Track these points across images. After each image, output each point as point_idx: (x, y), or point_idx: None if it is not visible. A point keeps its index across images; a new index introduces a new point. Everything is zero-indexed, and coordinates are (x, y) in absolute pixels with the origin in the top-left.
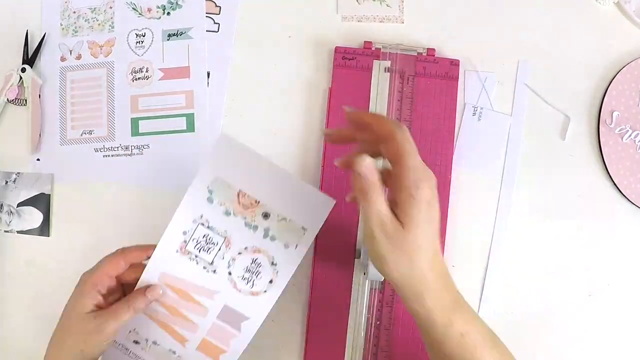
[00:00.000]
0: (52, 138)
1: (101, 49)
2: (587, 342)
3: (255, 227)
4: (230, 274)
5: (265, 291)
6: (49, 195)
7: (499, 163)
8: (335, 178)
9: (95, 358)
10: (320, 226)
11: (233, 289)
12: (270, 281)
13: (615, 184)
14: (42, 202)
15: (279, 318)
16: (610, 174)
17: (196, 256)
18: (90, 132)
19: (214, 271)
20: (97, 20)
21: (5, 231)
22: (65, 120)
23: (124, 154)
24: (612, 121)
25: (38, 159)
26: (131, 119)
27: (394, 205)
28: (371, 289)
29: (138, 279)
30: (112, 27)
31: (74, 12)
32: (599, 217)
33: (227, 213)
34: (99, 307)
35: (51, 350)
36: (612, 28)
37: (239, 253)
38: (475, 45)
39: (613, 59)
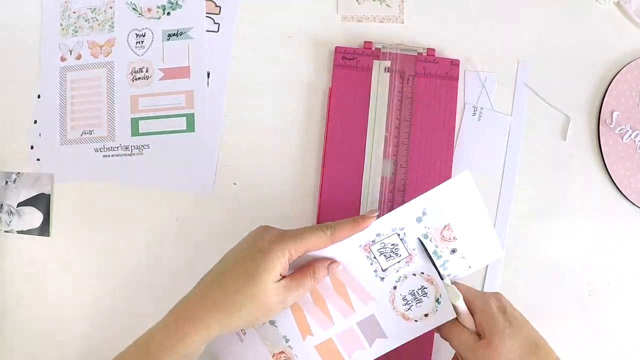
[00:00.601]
0: (52, 138)
1: (101, 49)
2: (587, 342)
3: (440, 257)
4: (395, 288)
5: (416, 321)
6: (49, 195)
7: (499, 163)
8: (334, 178)
9: (255, 326)
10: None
11: (389, 303)
12: (426, 315)
13: (615, 184)
14: (42, 202)
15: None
16: (610, 174)
17: (375, 258)
18: (90, 132)
19: (382, 279)
20: (97, 20)
21: (5, 231)
22: (65, 120)
23: (124, 154)
24: (612, 121)
25: (38, 159)
26: (131, 119)
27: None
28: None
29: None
30: (112, 27)
31: (74, 12)
32: (599, 217)
33: (425, 236)
34: (282, 276)
35: (209, 309)
36: (612, 28)
37: (414, 274)
38: (475, 45)
39: (613, 59)
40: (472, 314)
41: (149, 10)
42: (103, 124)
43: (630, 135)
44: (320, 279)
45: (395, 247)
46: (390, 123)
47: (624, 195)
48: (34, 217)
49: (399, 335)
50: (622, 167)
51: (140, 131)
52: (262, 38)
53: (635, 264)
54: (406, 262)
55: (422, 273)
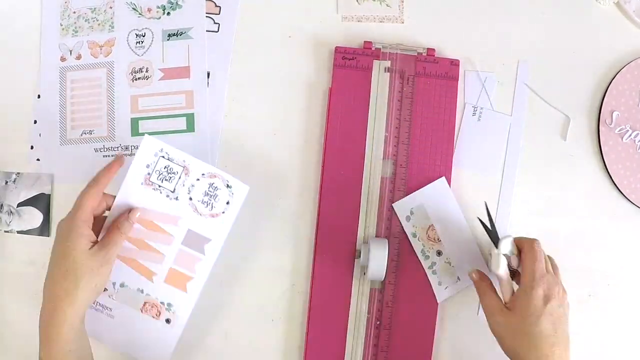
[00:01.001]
0: (52, 138)
1: (101, 49)
2: (587, 342)
3: (427, 257)
4: (190, 199)
5: (223, 212)
6: (49, 195)
7: (499, 163)
8: (335, 178)
9: (102, 291)
10: None
11: (194, 212)
12: (227, 202)
13: (615, 184)
14: (42, 202)
15: (279, 318)
16: (610, 174)
17: (159, 186)
18: (90, 132)
19: (177, 198)
20: (97, 20)
21: (5, 231)
22: (65, 120)
23: (124, 154)
24: (612, 121)
25: (38, 159)
26: (131, 119)
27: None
28: (371, 289)
29: (107, 208)
30: (112, 27)
31: (74, 12)
32: (599, 217)
33: (414, 235)
34: (93, 242)
35: (63, 294)
36: (612, 28)
37: (197, 179)
38: (475, 45)
39: (613, 59)
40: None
41: (149, 10)
42: (103, 124)
43: (630, 135)
44: (126, 229)
45: (169, 168)
46: (390, 123)
47: (624, 195)
48: (34, 217)
49: (218, 232)
50: (622, 167)
51: (140, 131)
52: (262, 38)
53: (635, 264)
54: (185, 174)
55: (203, 174)
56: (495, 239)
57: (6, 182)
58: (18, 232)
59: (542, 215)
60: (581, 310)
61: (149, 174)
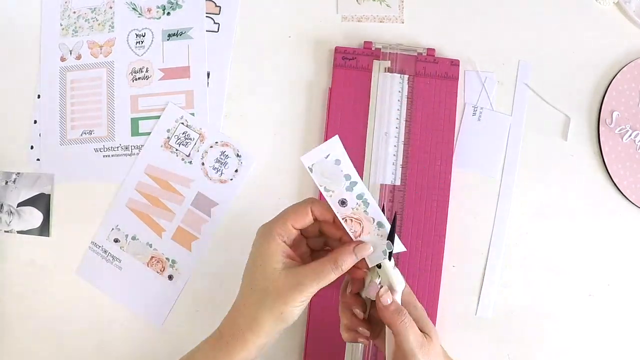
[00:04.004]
0: (52, 138)
1: (101, 49)
2: (587, 342)
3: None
4: (203, 164)
5: (231, 179)
6: (49, 195)
7: (499, 163)
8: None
9: (290, 324)
10: None
11: (205, 177)
12: (236, 171)
13: (615, 184)
14: (42, 202)
15: None
16: (610, 174)
17: (176, 150)
18: (90, 132)
19: (190, 162)
20: (97, 20)
21: (5, 231)
22: (65, 120)
23: (124, 154)
24: (612, 121)
25: (38, 159)
26: (131, 119)
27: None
28: None
29: (320, 231)
30: (112, 27)
31: (74, 12)
32: (599, 217)
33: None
34: (291, 258)
35: (240, 320)
36: (612, 28)
37: (211, 147)
38: (475, 45)
39: (613, 59)
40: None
41: (149, 10)
42: (103, 124)
43: (630, 135)
44: (346, 266)
45: (186, 134)
46: (390, 123)
47: (624, 195)
48: (34, 217)
49: (225, 197)
50: (622, 167)
51: (140, 131)
52: (262, 38)
53: (635, 264)
54: (200, 140)
55: (216, 142)
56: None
57: (6, 182)
58: (18, 232)
59: (542, 215)
60: (581, 310)
61: (168, 137)
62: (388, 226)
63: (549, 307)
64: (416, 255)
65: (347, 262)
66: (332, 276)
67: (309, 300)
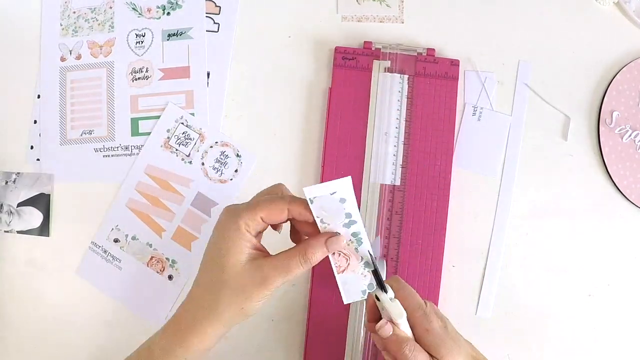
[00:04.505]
0: (52, 138)
1: (101, 49)
2: (587, 342)
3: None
4: (203, 164)
5: (231, 179)
6: (49, 195)
7: (498, 163)
8: (334, 178)
9: (251, 316)
10: None
11: (205, 177)
12: (236, 171)
13: (615, 184)
14: (42, 202)
15: (279, 318)
16: (610, 174)
17: (176, 150)
18: (90, 132)
19: (190, 162)
20: (97, 20)
21: (5, 231)
22: (65, 120)
23: (124, 154)
24: (612, 121)
25: (38, 159)
26: (131, 119)
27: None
28: None
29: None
30: (112, 27)
31: (74, 12)
32: (599, 217)
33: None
34: (256, 249)
35: (199, 311)
36: (612, 28)
37: (211, 147)
38: (475, 45)
39: (613, 59)
40: (412, 329)
41: (149, 10)
42: (103, 124)
43: (630, 135)
44: (316, 260)
45: (186, 134)
46: (390, 123)
47: (624, 195)
48: (34, 217)
49: (225, 196)
50: (622, 167)
51: (140, 131)
52: (262, 38)
53: (635, 264)
54: (200, 140)
55: (216, 142)
56: (381, 282)
57: (6, 182)
58: (18, 232)
59: (542, 215)
60: (581, 310)
61: (168, 137)
62: (374, 267)
63: (548, 307)
64: (416, 255)
65: (317, 254)
66: (300, 270)
67: (302, 297)
